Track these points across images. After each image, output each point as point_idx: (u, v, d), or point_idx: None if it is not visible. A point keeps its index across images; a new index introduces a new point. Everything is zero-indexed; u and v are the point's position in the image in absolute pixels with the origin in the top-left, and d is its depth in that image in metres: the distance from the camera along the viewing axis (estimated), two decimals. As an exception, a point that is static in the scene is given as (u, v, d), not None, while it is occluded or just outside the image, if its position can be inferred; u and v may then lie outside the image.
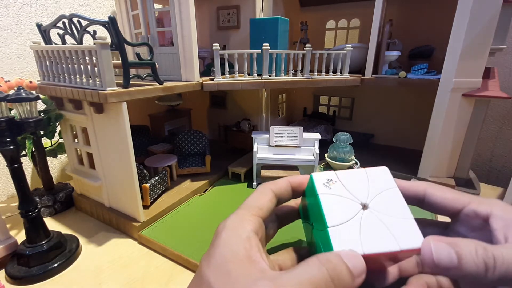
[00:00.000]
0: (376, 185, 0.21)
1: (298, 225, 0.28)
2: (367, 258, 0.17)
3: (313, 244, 0.22)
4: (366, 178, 0.21)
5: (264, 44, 0.66)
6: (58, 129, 0.66)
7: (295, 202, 0.26)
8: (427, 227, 0.24)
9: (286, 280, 0.16)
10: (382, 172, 0.22)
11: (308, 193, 0.23)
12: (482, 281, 0.16)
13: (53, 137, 0.65)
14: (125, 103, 0.49)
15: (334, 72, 0.75)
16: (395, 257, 0.20)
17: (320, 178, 0.21)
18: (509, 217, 0.18)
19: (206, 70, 0.82)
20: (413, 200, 0.23)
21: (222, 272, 0.16)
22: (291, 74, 0.73)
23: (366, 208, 0.20)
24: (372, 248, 0.18)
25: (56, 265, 0.48)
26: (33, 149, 0.63)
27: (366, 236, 0.18)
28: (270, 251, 0.23)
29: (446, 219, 0.23)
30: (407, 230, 0.19)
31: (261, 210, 0.21)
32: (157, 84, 0.57)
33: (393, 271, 0.22)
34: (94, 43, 0.44)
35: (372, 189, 0.21)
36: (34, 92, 0.52)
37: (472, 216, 0.20)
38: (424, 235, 0.19)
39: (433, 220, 0.25)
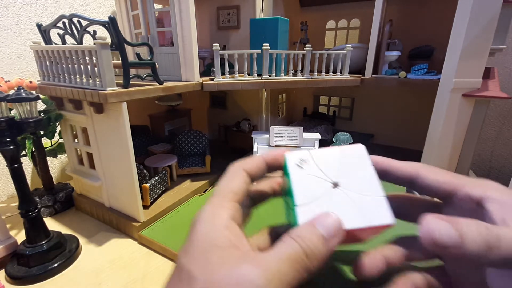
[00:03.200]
0: (350, 163, 0.21)
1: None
2: None
3: (290, 221, 0.22)
4: (340, 157, 0.21)
5: (264, 44, 0.66)
6: (58, 129, 0.66)
7: (268, 186, 0.26)
8: (419, 206, 0.24)
9: (268, 260, 0.16)
10: (357, 150, 0.22)
11: (284, 172, 0.23)
12: (481, 261, 0.15)
13: (53, 137, 0.65)
14: (125, 103, 0.49)
15: (334, 72, 0.75)
16: (362, 234, 0.20)
17: (293, 158, 0.22)
18: (505, 199, 0.18)
19: (206, 70, 0.82)
20: (404, 181, 0.22)
21: (202, 260, 0.16)
22: (291, 74, 0.73)
23: (336, 187, 0.20)
24: None
25: (56, 265, 0.48)
26: (33, 149, 0.63)
27: None
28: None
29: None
30: (376, 207, 0.19)
31: (236, 195, 0.20)
32: (157, 84, 0.57)
33: (379, 263, 0.21)
34: (94, 43, 0.44)
35: (345, 167, 0.21)
36: (34, 92, 0.52)
37: (466, 199, 0.19)
38: (416, 214, 0.18)
39: (425, 199, 0.24)
